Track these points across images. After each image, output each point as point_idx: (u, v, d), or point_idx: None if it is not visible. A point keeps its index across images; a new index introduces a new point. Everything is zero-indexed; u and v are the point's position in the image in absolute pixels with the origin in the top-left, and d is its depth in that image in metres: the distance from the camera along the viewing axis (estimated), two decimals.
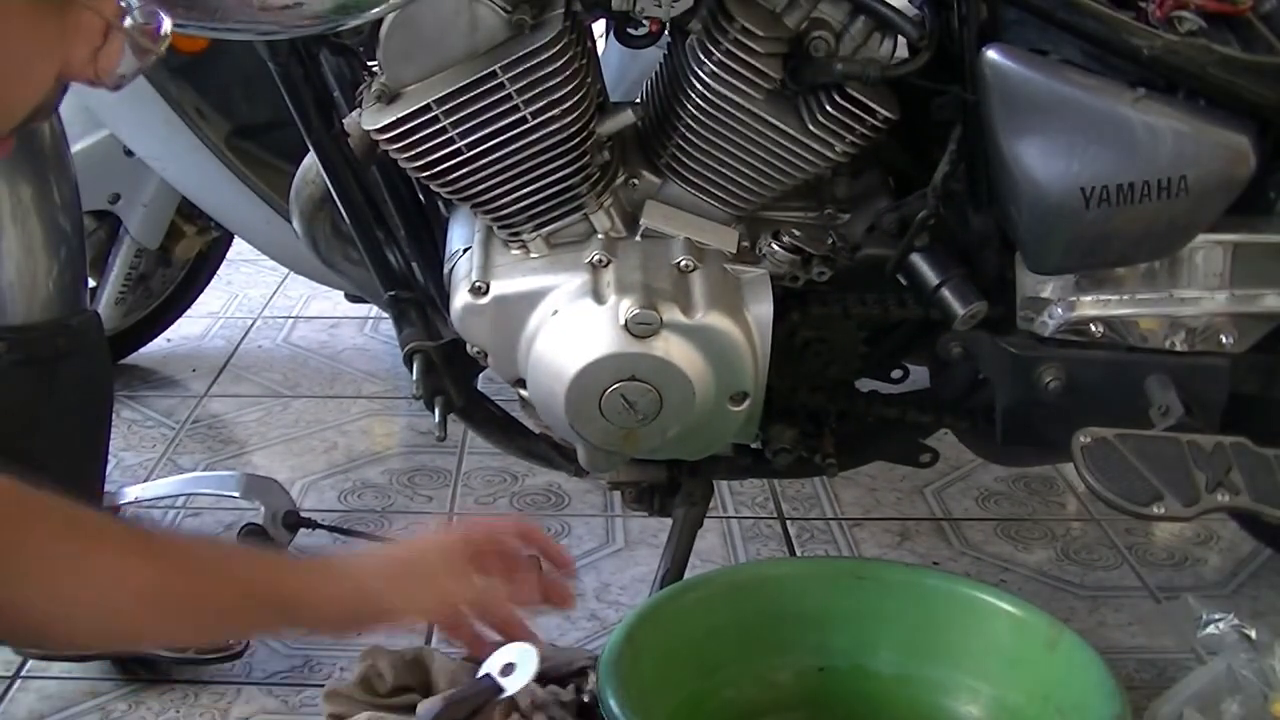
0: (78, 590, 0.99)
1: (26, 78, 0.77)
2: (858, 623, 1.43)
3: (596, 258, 1.44)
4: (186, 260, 2.54)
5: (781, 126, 1.44)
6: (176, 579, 1.04)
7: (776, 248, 1.49)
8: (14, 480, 1.00)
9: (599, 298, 1.42)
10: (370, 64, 1.48)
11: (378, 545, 1.33)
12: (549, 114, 1.39)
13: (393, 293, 1.62)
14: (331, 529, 1.97)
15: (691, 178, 1.48)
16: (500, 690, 1.08)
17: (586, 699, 1.42)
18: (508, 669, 1.09)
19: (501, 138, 1.40)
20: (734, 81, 1.42)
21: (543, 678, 1.39)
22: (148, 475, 2.21)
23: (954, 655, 1.41)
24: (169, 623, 1.07)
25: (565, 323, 1.43)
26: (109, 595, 1.01)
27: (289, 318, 2.95)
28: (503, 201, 1.45)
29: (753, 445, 1.67)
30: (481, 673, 1.09)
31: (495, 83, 1.37)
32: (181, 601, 1.05)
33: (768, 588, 1.45)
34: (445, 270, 1.53)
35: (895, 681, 1.42)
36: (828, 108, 1.43)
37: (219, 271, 2.67)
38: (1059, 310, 1.50)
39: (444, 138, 1.40)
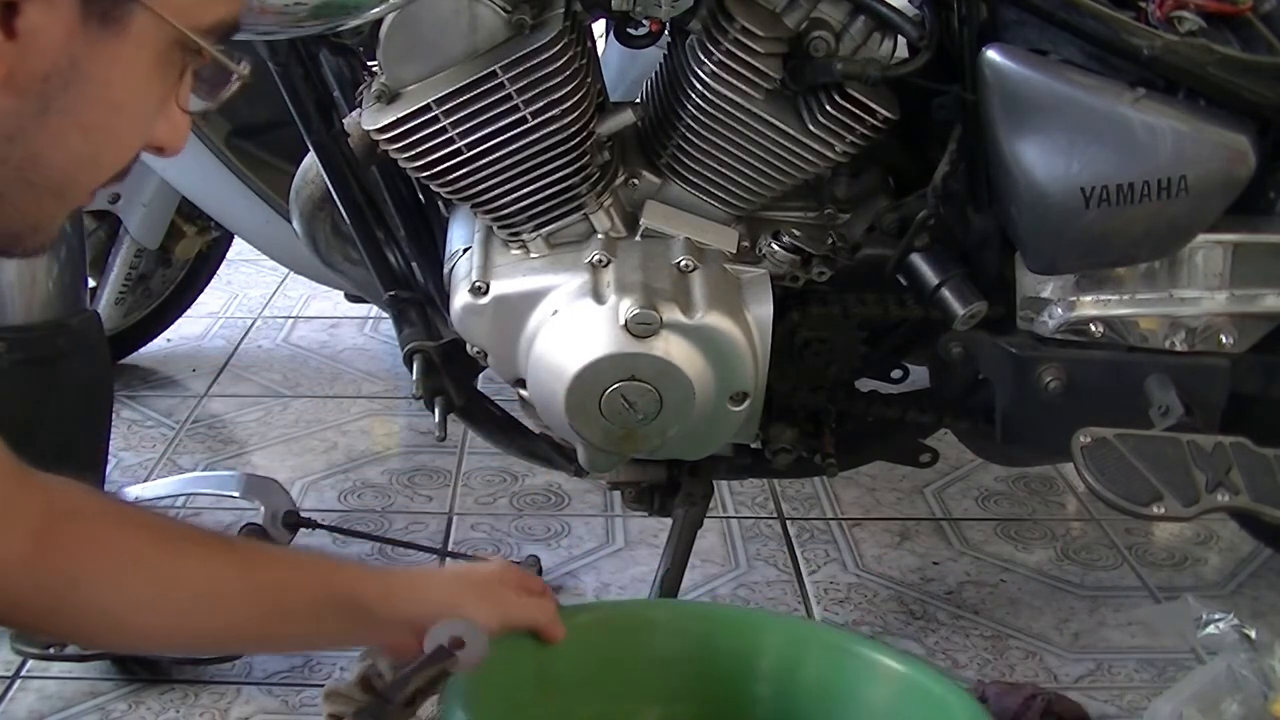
0: (166, 592, 1.02)
1: (130, 136, 0.78)
2: (741, 673, 1.29)
3: (596, 258, 1.44)
4: (186, 260, 2.54)
5: (781, 126, 1.44)
6: (258, 580, 1.06)
7: (776, 248, 1.49)
8: (90, 488, 1.04)
9: (599, 298, 1.42)
10: (370, 64, 1.48)
11: (432, 567, 1.33)
12: (549, 114, 1.39)
13: (393, 293, 1.62)
14: (331, 529, 1.97)
15: (691, 178, 1.48)
16: (456, 662, 1.07)
17: None
18: (456, 642, 1.08)
19: (501, 138, 1.40)
20: (734, 81, 1.42)
21: None
22: (148, 475, 2.21)
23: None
24: (248, 625, 1.08)
25: (565, 323, 1.43)
26: (192, 596, 1.04)
27: (289, 318, 2.95)
28: (503, 201, 1.45)
29: (753, 445, 1.67)
30: (431, 643, 1.08)
31: (495, 83, 1.37)
32: (263, 602, 1.06)
33: (637, 630, 1.33)
34: (445, 270, 1.53)
35: None
36: (828, 108, 1.43)
37: (219, 271, 2.67)
38: (1059, 310, 1.50)
39: (444, 138, 1.40)
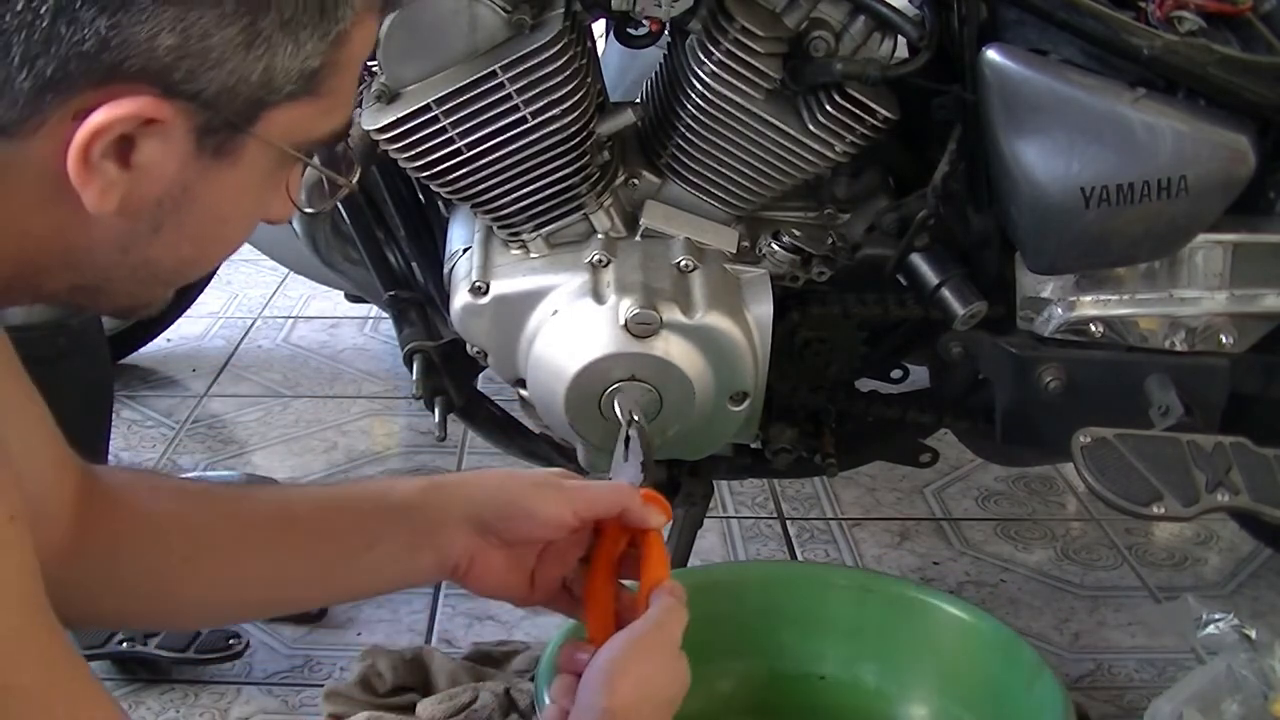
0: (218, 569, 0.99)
1: (241, 234, 0.81)
2: (807, 628, 1.35)
3: (596, 258, 1.44)
4: None
5: (781, 126, 1.44)
6: (309, 540, 1.00)
7: (776, 248, 1.49)
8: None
9: (599, 298, 1.42)
10: (370, 64, 1.48)
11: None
12: (549, 114, 1.39)
13: (393, 293, 1.62)
14: None
15: (691, 178, 1.48)
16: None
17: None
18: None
19: (501, 138, 1.40)
20: (734, 81, 1.42)
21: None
22: None
23: (911, 665, 1.33)
24: (310, 587, 1.04)
25: (565, 323, 1.43)
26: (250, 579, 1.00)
27: (289, 318, 2.95)
28: (503, 201, 1.45)
29: (753, 445, 1.67)
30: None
31: (495, 83, 1.37)
32: (321, 556, 1.01)
33: (715, 592, 1.36)
34: (445, 270, 1.53)
35: (845, 689, 1.34)
36: (828, 108, 1.43)
37: (219, 271, 2.67)
38: (1059, 310, 1.50)
39: (444, 138, 1.40)
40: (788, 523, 2.09)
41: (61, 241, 0.73)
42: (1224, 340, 1.51)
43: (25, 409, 0.89)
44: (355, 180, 0.86)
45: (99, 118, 0.68)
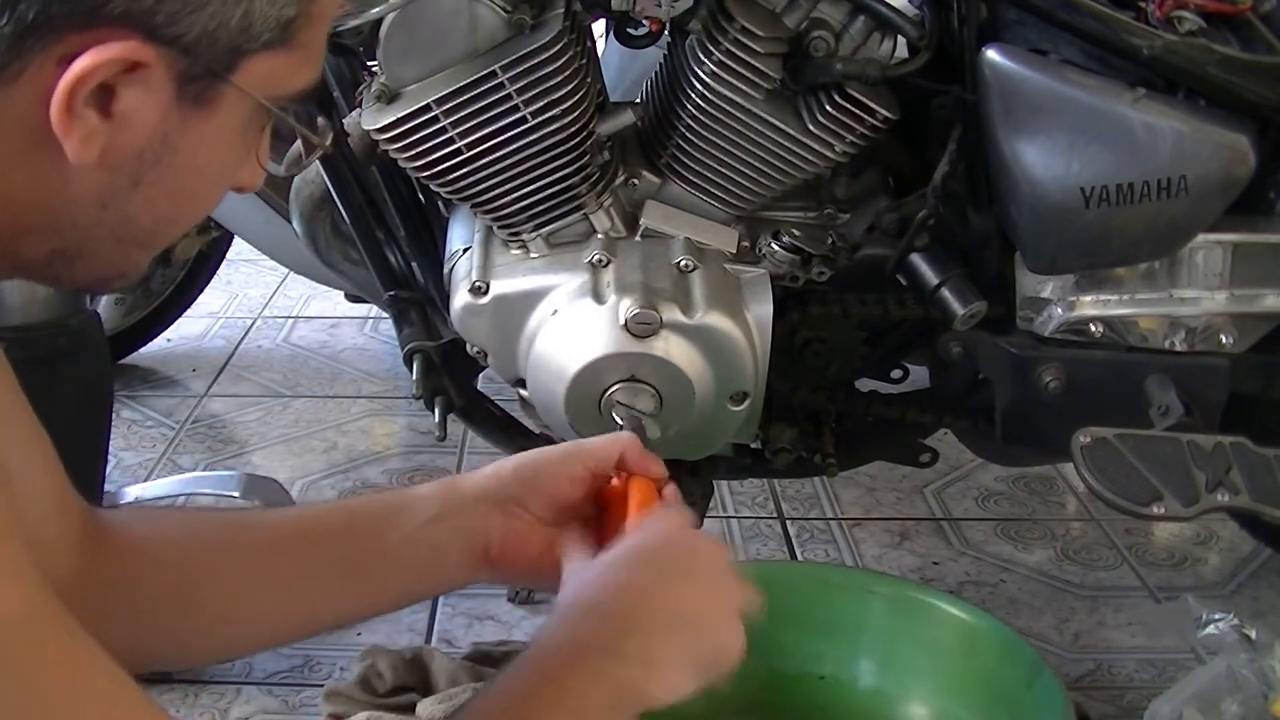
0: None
1: (215, 194, 0.80)
2: (807, 628, 1.35)
3: (596, 258, 1.44)
4: (186, 260, 2.54)
5: (781, 126, 1.44)
6: None
7: (776, 248, 1.49)
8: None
9: (599, 298, 1.42)
10: (370, 64, 1.48)
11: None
12: (549, 114, 1.39)
13: (393, 293, 1.62)
14: None
15: (691, 178, 1.48)
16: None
17: None
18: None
19: (501, 138, 1.40)
20: (734, 81, 1.42)
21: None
22: (148, 475, 2.21)
23: (911, 665, 1.33)
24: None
25: (565, 322, 1.43)
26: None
27: (289, 318, 2.95)
28: (503, 201, 1.45)
29: (753, 445, 1.67)
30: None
31: (495, 83, 1.37)
32: None
33: None
34: (445, 270, 1.54)
35: (844, 689, 1.36)
36: (828, 108, 1.43)
37: (219, 271, 2.67)
38: (1059, 310, 1.50)
39: (444, 138, 1.40)
40: (788, 523, 2.09)
41: (42, 197, 0.73)
42: (1224, 340, 1.51)
43: (30, 447, 0.87)
44: (329, 143, 0.87)
45: (84, 62, 0.67)
